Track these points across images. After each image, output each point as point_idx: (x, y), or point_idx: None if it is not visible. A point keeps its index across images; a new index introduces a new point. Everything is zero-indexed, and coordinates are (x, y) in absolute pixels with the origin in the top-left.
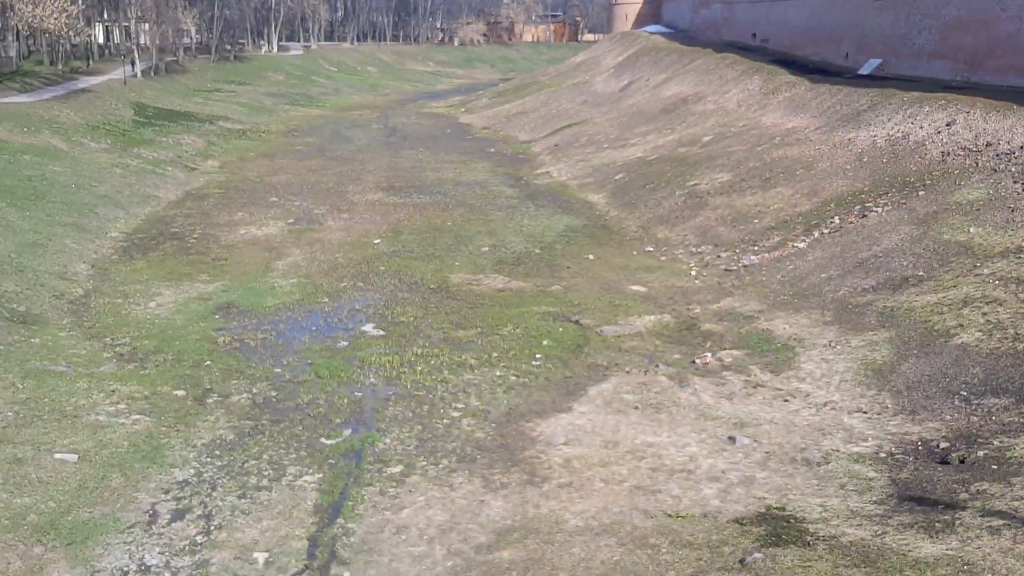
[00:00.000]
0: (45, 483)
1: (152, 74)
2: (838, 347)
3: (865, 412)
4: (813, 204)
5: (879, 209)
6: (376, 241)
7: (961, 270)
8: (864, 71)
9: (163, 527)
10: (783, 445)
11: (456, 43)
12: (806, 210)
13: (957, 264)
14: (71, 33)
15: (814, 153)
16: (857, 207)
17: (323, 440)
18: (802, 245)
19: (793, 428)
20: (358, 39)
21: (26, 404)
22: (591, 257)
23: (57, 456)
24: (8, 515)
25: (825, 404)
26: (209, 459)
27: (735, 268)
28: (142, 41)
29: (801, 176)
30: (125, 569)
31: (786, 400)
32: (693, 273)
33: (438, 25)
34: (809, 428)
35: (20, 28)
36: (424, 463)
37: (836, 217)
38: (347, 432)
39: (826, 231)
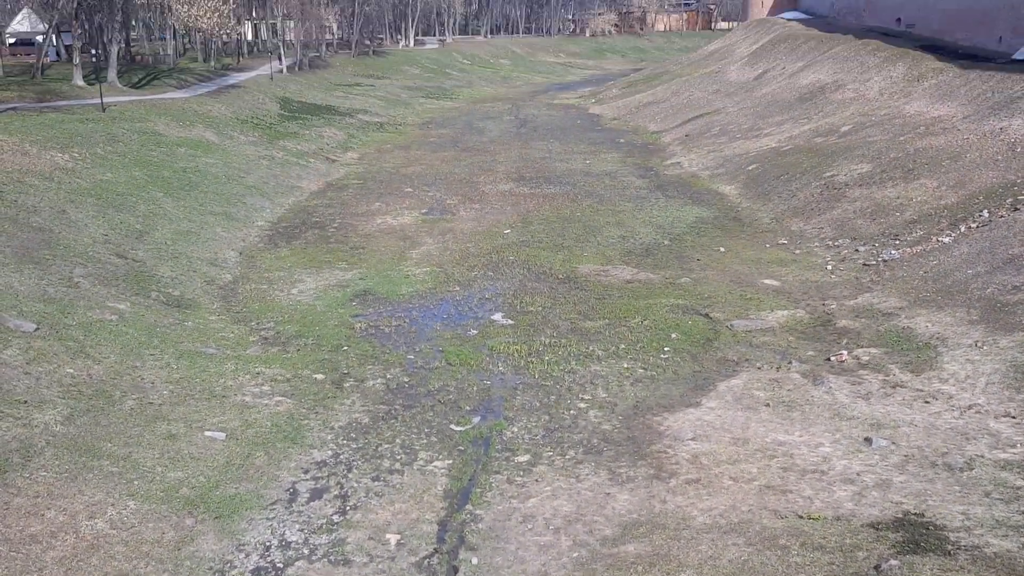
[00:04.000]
0: (196, 459)
1: (296, 69)
2: (985, 347)
3: (1013, 417)
4: (959, 197)
5: None
6: (506, 231)
7: None
8: (1019, 56)
9: (302, 505)
10: (923, 448)
11: (587, 34)
12: (952, 203)
13: None
14: (223, 31)
15: (962, 143)
16: (1008, 200)
17: (453, 426)
18: (947, 239)
19: (934, 431)
20: (491, 32)
21: (179, 383)
22: (722, 249)
23: (207, 434)
24: (162, 488)
25: (969, 407)
26: (345, 441)
27: (874, 263)
28: (288, 38)
29: (947, 167)
30: (267, 544)
31: (927, 402)
32: (829, 267)
33: (569, 16)
34: (952, 432)
35: (177, 27)
36: (551, 453)
37: (985, 210)
38: (476, 419)
39: (974, 225)
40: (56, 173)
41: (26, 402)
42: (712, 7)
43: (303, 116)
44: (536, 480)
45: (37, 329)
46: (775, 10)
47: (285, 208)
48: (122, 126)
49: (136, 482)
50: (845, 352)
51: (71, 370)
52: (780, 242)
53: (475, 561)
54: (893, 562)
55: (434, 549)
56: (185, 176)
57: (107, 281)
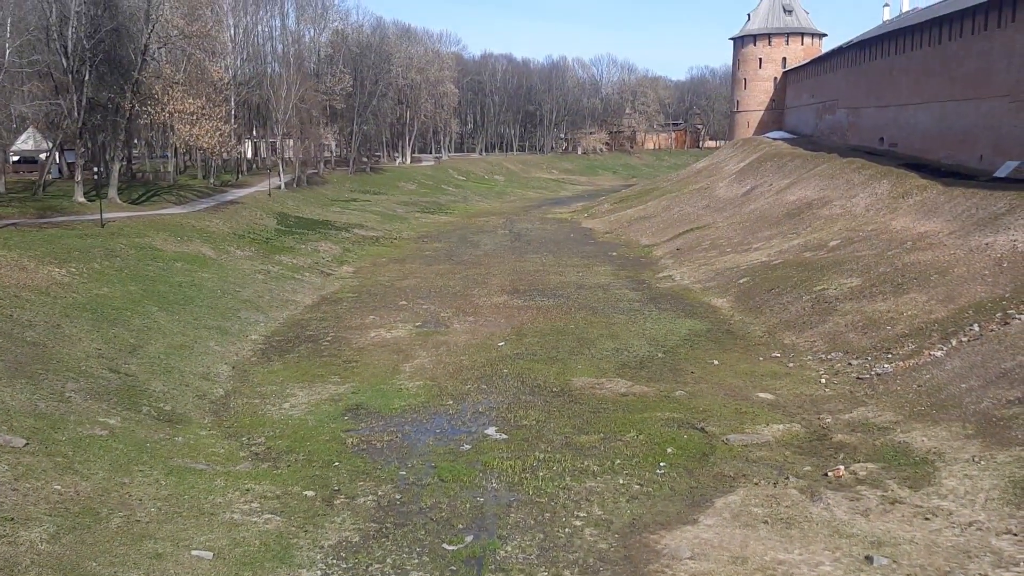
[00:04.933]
0: None
1: (295, 185)
2: (982, 463)
3: (1015, 534)
4: (949, 311)
5: (1022, 317)
6: (500, 344)
7: None
8: (1000, 174)
9: None
10: (925, 567)
11: (579, 152)
12: (942, 317)
13: None
14: (223, 150)
15: (949, 258)
16: (998, 314)
17: (445, 546)
18: (939, 353)
19: (936, 549)
20: (486, 150)
21: (168, 500)
22: (716, 362)
23: (194, 553)
24: None
25: (970, 524)
26: (335, 561)
27: (867, 376)
28: (286, 155)
29: (936, 282)
30: None
31: (927, 518)
32: (823, 381)
33: (562, 135)
34: (953, 550)
35: (178, 146)
36: (545, 574)
37: (975, 324)
38: (469, 538)
39: (965, 339)
40: (53, 288)
41: (12, 519)
42: (699, 127)
43: (299, 231)
44: None
45: (27, 444)
46: (760, 129)
47: (279, 322)
48: (120, 241)
49: None
50: (842, 467)
51: (59, 486)
52: (773, 355)
53: None
54: None
55: None
56: (180, 291)
57: (99, 396)
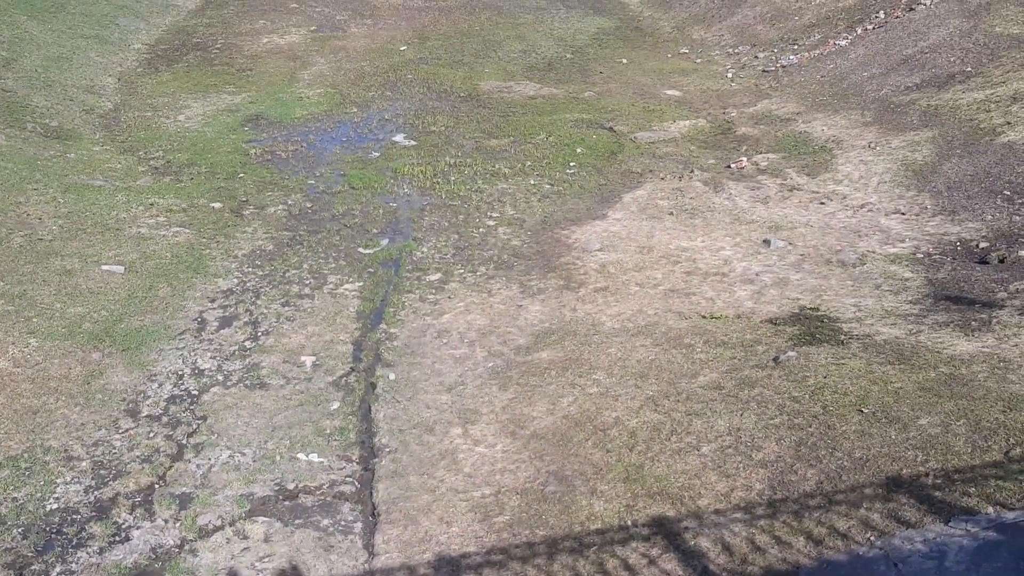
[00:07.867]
0: (95, 293)
1: None
2: (878, 148)
3: (903, 213)
4: None
5: (927, 2)
6: (402, 48)
7: (1012, 64)
8: None
9: (212, 333)
10: (818, 247)
11: None
12: (850, 4)
13: (1008, 59)
14: None
15: None
16: (904, 0)
17: (361, 250)
18: (844, 43)
19: (829, 231)
20: None
21: (69, 217)
22: (624, 61)
23: (104, 268)
24: (64, 324)
25: (862, 206)
26: (251, 269)
27: (773, 69)
28: None
29: None
30: (180, 372)
31: (822, 203)
32: (729, 75)
33: None
34: (845, 230)
35: None
36: (462, 270)
37: (881, 11)
38: (384, 242)
39: (870, 27)
40: None
41: None
42: None
43: None
44: (448, 297)
45: None
46: None
47: (162, 29)
48: None
49: (35, 319)
50: (744, 159)
51: None
52: (681, 51)
53: (392, 377)
54: (791, 353)
55: (351, 368)
56: None
57: None
